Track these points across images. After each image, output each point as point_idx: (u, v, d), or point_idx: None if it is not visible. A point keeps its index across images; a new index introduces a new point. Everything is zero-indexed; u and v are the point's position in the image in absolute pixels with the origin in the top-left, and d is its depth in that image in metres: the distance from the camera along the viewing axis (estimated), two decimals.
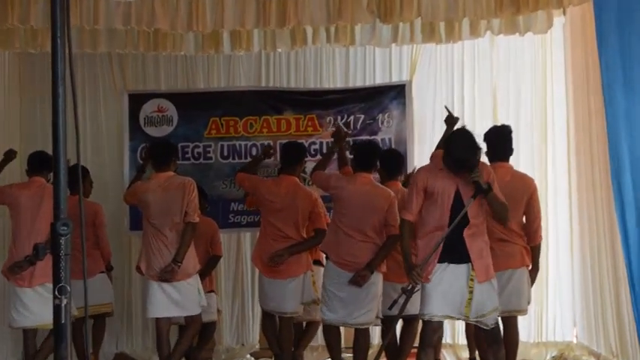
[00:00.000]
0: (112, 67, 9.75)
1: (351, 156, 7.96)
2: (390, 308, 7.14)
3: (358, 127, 9.51)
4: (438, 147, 7.20)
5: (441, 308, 6.41)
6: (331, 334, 7.75)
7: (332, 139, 8.30)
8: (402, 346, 8.07)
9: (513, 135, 7.47)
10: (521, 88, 9.49)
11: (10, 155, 8.15)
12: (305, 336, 8.65)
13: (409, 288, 6.59)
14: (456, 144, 6.41)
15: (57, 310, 3.64)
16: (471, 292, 6.37)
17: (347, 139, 8.36)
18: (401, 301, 6.75)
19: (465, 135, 6.44)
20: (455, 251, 6.38)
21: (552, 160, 9.31)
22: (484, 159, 6.79)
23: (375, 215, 7.43)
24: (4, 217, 8.63)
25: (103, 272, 8.57)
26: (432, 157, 6.86)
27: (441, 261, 6.40)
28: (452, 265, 6.39)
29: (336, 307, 7.53)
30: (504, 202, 6.46)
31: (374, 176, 7.87)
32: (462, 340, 9.06)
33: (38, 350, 7.81)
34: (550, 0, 7.55)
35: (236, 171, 8.55)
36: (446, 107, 8.02)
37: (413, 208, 6.56)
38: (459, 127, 6.94)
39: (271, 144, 8.93)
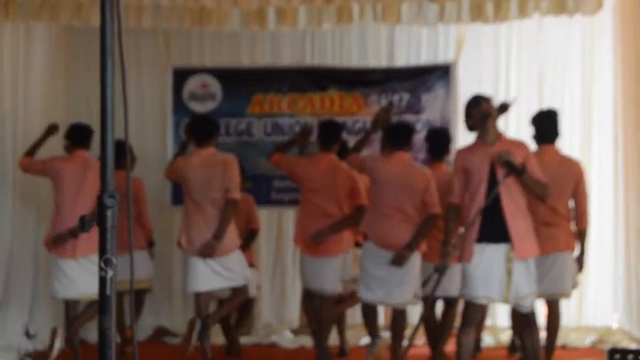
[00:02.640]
0: (156, 42, 9.83)
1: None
2: (423, 286, 7.23)
3: (403, 106, 9.54)
4: None
5: (482, 289, 6.45)
6: (369, 313, 7.81)
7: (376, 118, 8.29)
8: (443, 327, 8.13)
9: (558, 118, 7.49)
10: (567, 72, 9.46)
11: (52, 129, 8.20)
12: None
13: (441, 267, 6.67)
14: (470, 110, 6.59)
15: (102, 281, 3.71)
16: (509, 274, 6.40)
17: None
18: (434, 279, 6.82)
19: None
20: (494, 230, 6.41)
21: (597, 145, 9.29)
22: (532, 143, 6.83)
23: (412, 195, 7.46)
24: (45, 190, 8.76)
25: (142, 248, 8.68)
26: None
27: (480, 241, 6.43)
28: (491, 245, 6.42)
29: (374, 287, 7.58)
30: (541, 181, 6.46)
31: (414, 156, 7.88)
32: (503, 321, 9.09)
33: (77, 317, 7.91)
34: None
35: (270, 151, 8.54)
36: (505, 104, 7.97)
37: (456, 190, 6.63)
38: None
39: (309, 124, 8.93)
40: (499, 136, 6.59)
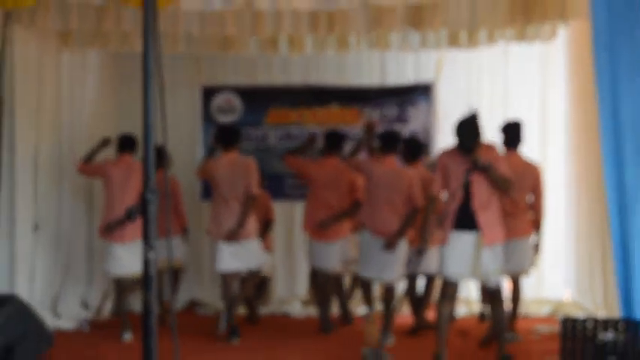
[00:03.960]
0: (189, 66, 9.82)
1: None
2: (407, 265, 7.31)
3: (391, 118, 9.54)
4: None
5: (455, 269, 6.46)
6: (366, 287, 7.84)
7: (364, 130, 8.31)
8: (423, 299, 8.17)
9: (522, 128, 7.51)
10: (528, 89, 9.44)
11: (106, 142, 8.20)
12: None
13: (421, 249, 6.71)
14: (461, 130, 6.43)
15: (146, 262, 3.74)
16: (478, 256, 6.41)
17: (376, 129, 8.35)
18: (415, 259, 6.84)
19: (470, 123, 6.43)
20: (466, 221, 6.41)
21: (552, 149, 9.27)
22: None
23: (400, 191, 7.48)
24: (96, 188, 8.80)
25: (178, 235, 8.65)
26: None
27: (455, 229, 6.44)
28: (464, 232, 6.42)
29: (370, 267, 7.61)
30: (505, 176, 6.42)
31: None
32: (474, 295, 9.10)
33: (125, 291, 7.92)
34: (553, 13, 7.50)
35: (283, 153, 8.54)
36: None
37: (436, 185, 6.62)
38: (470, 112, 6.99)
39: (314, 133, 8.93)
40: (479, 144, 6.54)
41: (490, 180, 6.39)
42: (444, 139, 9.14)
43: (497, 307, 6.61)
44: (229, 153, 7.88)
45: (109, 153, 8.46)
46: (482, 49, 8.97)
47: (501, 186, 6.44)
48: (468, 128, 6.38)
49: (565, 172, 9.13)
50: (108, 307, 7.61)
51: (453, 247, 6.43)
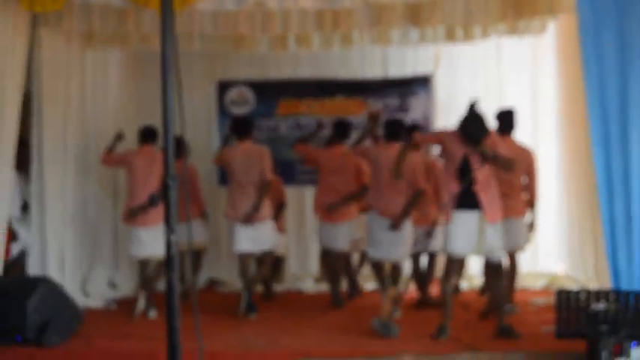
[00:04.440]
0: (204, 62, 9.81)
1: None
2: (416, 246, 7.35)
3: (393, 108, 9.54)
4: None
5: (461, 246, 6.47)
6: (376, 266, 7.84)
7: (369, 119, 8.31)
8: (427, 275, 8.18)
9: (515, 115, 7.50)
10: (520, 80, 9.42)
11: (119, 137, 8.16)
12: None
13: (428, 232, 6.73)
14: (470, 123, 6.44)
15: (168, 245, 3.75)
16: (482, 233, 6.42)
17: (380, 118, 8.35)
18: (423, 241, 6.86)
19: (477, 118, 6.46)
20: (469, 200, 6.41)
21: (544, 133, 9.25)
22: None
23: (404, 175, 7.49)
24: (119, 178, 8.81)
25: (197, 218, 8.67)
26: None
27: (458, 207, 6.44)
28: (467, 211, 6.43)
29: (378, 247, 7.62)
30: (508, 158, 6.46)
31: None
32: (475, 271, 9.10)
33: (150, 275, 7.95)
34: (542, 8, 7.48)
35: (294, 142, 8.57)
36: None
37: (426, 136, 6.96)
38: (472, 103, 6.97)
39: (321, 121, 8.92)
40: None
41: (495, 164, 6.41)
42: (443, 125, 9.14)
43: (497, 280, 6.61)
44: (244, 142, 7.88)
45: (127, 144, 8.45)
46: (476, 43, 8.93)
47: (507, 167, 6.47)
48: (476, 123, 6.39)
49: (556, 156, 9.10)
50: (142, 304, 7.62)
51: (457, 225, 6.43)
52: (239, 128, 7.92)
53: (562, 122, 8.94)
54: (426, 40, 8.83)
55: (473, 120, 6.42)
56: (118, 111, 9.33)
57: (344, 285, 8.62)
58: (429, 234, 6.77)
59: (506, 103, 8.57)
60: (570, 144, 8.62)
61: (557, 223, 9.13)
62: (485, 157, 6.32)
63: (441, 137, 6.67)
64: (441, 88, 9.61)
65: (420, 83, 9.58)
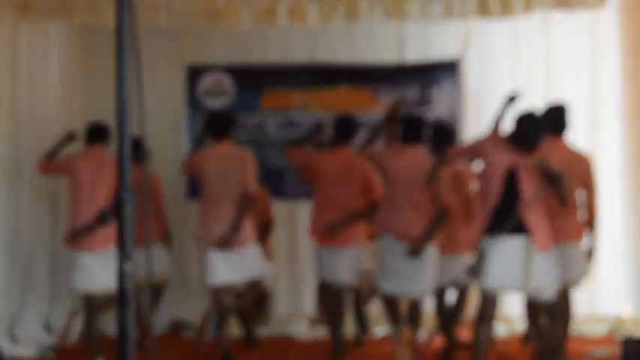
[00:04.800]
0: (170, 41, 9.81)
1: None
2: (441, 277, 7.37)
3: (412, 101, 9.53)
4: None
5: (499, 279, 6.43)
6: (390, 304, 7.79)
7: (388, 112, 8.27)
8: (455, 314, 8.13)
9: (568, 112, 7.48)
10: (573, 66, 9.41)
11: (71, 136, 8.19)
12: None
13: (472, 269, 6.70)
14: (525, 123, 6.47)
15: (121, 276, 3.70)
16: (529, 264, 6.39)
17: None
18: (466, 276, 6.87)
19: (532, 116, 6.50)
20: (512, 222, 6.39)
21: (605, 136, 9.25)
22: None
23: (424, 188, 7.45)
24: (61, 188, 8.75)
25: (158, 242, 8.68)
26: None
27: (499, 231, 6.40)
28: (510, 236, 6.40)
29: (392, 279, 7.59)
30: (556, 173, 6.47)
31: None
32: (516, 310, 9.06)
33: (97, 311, 7.91)
34: None
35: (285, 145, 8.56)
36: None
37: (461, 150, 6.86)
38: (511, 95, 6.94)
39: (321, 121, 8.90)
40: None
41: (553, 188, 6.38)
42: (474, 125, 9.12)
43: (553, 325, 6.58)
44: (221, 144, 7.89)
45: (76, 147, 8.42)
46: (517, 19, 8.93)
47: (564, 197, 6.49)
48: (531, 123, 6.43)
49: (620, 163, 9.10)
50: (76, 330, 7.61)
51: (496, 254, 6.40)
52: (216, 126, 7.93)
53: (627, 120, 8.93)
54: (453, 15, 8.80)
55: (527, 118, 6.41)
56: (60, 103, 9.30)
57: (348, 329, 8.57)
58: (473, 271, 6.74)
59: (555, 97, 8.54)
60: (638, 148, 8.59)
61: (622, 251, 9.11)
62: (547, 172, 6.31)
63: (481, 148, 6.63)
64: (472, 76, 9.63)
65: (446, 70, 9.59)
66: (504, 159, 6.47)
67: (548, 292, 6.49)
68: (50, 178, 8.65)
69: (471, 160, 7.06)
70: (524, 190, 6.40)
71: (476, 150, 6.80)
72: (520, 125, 6.47)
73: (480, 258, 6.62)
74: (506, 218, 6.40)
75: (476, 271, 6.68)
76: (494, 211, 6.44)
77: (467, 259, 7.64)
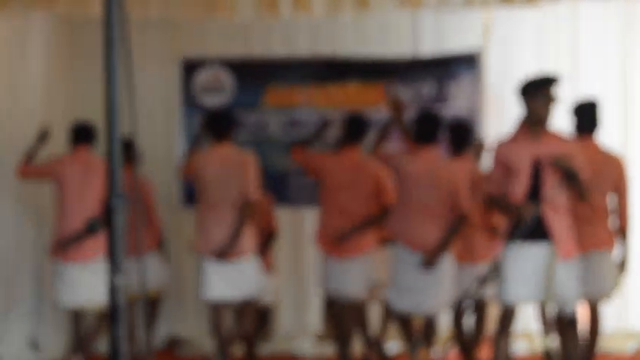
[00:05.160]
0: (164, 33, 9.83)
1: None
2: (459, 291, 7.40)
3: (428, 98, 9.53)
4: None
5: (520, 291, 6.45)
6: (402, 320, 7.80)
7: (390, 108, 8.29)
8: (475, 332, 8.15)
9: (598, 109, 7.50)
10: (603, 59, 9.42)
11: (43, 136, 8.16)
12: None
13: (484, 278, 6.72)
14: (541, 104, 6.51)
15: (112, 289, 3.71)
16: (552, 275, 6.39)
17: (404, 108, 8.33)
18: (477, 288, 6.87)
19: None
20: (534, 228, 6.40)
21: (636, 135, 9.26)
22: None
23: (440, 193, 7.47)
24: (45, 194, 8.78)
25: (153, 250, 8.68)
26: None
27: (519, 238, 6.42)
28: (532, 243, 6.42)
29: (405, 294, 7.59)
30: (586, 184, 6.50)
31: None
32: (535, 325, 9.08)
33: (87, 333, 7.94)
34: None
35: (291, 145, 8.60)
36: None
37: (493, 181, 6.64)
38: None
39: (328, 118, 8.91)
40: (544, 130, 6.57)
41: (571, 187, 6.40)
42: (495, 123, 9.13)
43: (571, 340, 6.59)
44: (221, 146, 7.92)
45: (59, 147, 8.42)
46: (542, 7, 8.94)
47: (579, 195, 6.48)
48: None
49: None
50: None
51: (517, 263, 6.41)
52: (216, 126, 7.96)
53: None
54: (473, 3, 8.82)
55: (543, 98, 6.44)
56: (42, 100, 9.30)
57: (356, 347, 8.58)
58: (484, 280, 6.76)
59: (584, 92, 8.56)
60: None
61: None
62: (569, 174, 6.33)
63: (500, 159, 6.64)
64: (493, 70, 9.63)
65: (464, 63, 9.58)
66: (526, 155, 6.49)
67: (570, 304, 6.49)
68: (33, 183, 8.65)
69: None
70: (545, 192, 6.42)
71: (502, 168, 6.74)
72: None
73: (493, 267, 6.65)
74: (526, 223, 6.41)
75: (486, 280, 6.70)
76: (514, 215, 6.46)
77: (482, 269, 7.68)
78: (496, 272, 6.68)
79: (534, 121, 6.52)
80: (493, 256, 6.80)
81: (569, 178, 6.39)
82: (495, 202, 6.70)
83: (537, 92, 6.49)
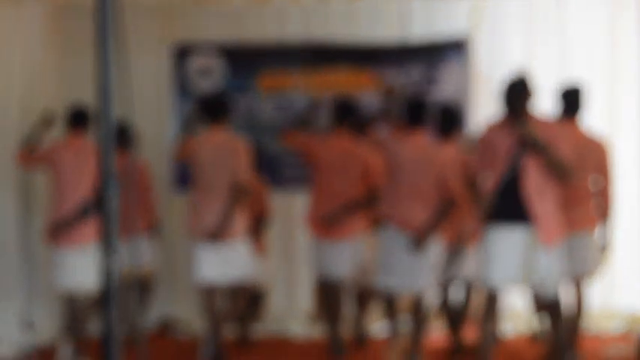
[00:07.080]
0: (155, 18, 9.80)
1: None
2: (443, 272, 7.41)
3: (416, 82, 9.54)
4: None
5: (502, 274, 6.46)
6: (387, 300, 7.81)
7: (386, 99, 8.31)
8: (461, 312, 8.17)
9: (583, 93, 7.50)
10: (591, 46, 9.42)
11: (48, 120, 8.04)
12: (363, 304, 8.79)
13: (455, 250, 6.75)
14: (509, 93, 6.53)
15: (106, 272, 3.72)
16: (531, 257, 6.41)
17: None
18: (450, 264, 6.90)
19: (520, 83, 6.55)
20: (515, 211, 6.42)
21: (623, 119, 9.27)
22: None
23: (429, 176, 7.49)
24: (34, 178, 8.79)
25: (144, 232, 8.65)
26: None
27: (498, 220, 6.44)
28: (512, 226, 6.44)
29: (392, 272, 7.60)
30: (564, 161, 6.49)
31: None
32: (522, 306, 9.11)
33: (81, 315, 7.94)
34: None
35: (282, 129, 8.60)
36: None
37: (475, 165, 6.71)
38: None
39: (317, 102, 8.90)
40: (528, 115, 6.58)
41: (543, 162, 6.41)
42: (483, 108, 9.13)
43: (556, 322, 6.61)
44: (217, 130, 7.93)
45: (53, 133, 8.39)
46: None
47: (557, 173, 6.47)
48: (517, 90, 6.45)
49: (639, 148, 9.10)
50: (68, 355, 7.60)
51: (496, 246, 6.43)
52: (211, 110, 7.97)
53: None
54: None
55: (515, 86, 6.49)
56: (34, 86, 9.26)
57: (347, 326, 8.60)
58: (455, 253, 6.80)
59: (570, 77, 8.57)
60: None
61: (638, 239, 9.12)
62: (526, 141, 6.34)
63: (484, 143, 6.68)
64: (482, 55, 9.61)
65: (453, 48, 9.58)
66: (505, 138, 6.50)
67: (551, 287, 6.51)
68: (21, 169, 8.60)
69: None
70: (527, 176, 6.43)
71: (484, 150, 6.77)
72: (505, 97, 6.54)
73: (458, 250, 6.72)
74: (505, 205, 6.44)
75: (452, 262, 6.75)
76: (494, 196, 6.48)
77: (475, 252, 7.67)
78: (458, 254, 6.74)
79: (516, 113, 6.54)
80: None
81: (536, 150, 6.38)
82: (470, 186, 6.75)
83: (516, 95, 6.53)
